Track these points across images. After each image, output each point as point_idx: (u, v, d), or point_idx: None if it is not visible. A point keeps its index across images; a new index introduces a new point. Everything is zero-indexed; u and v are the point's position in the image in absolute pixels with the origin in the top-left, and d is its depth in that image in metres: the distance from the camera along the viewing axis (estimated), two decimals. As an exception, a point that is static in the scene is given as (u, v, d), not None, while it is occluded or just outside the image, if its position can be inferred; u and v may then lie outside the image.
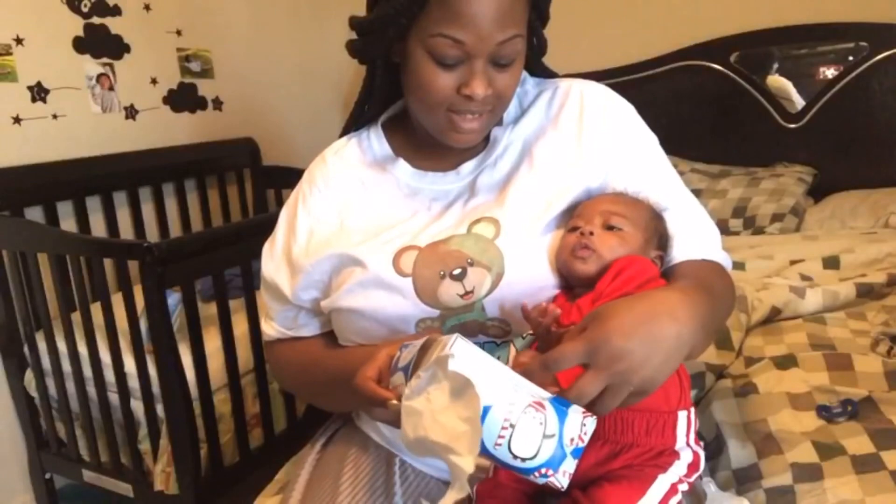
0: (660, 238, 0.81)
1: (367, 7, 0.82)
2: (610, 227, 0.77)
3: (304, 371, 0.93)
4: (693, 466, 0.72)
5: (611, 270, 0.74)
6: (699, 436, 0.93)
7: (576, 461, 0.57)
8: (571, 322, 0.72)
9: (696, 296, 0.65)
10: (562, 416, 0.56)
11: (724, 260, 0.87)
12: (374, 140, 0.93)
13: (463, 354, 0.57)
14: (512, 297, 0.77)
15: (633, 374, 0.58)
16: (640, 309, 0.60)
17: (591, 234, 0.76)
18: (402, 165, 0.90)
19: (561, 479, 0.57)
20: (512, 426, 0.55)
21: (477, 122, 0.80)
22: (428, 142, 0.88)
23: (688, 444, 0.73)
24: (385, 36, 0.78)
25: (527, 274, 0.79)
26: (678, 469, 0.71)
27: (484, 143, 0.89)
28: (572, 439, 0.57)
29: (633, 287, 0.71)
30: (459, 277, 0.78)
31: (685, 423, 0.73)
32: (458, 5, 0.72)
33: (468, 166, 0.88)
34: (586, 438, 0.57)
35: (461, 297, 0.78)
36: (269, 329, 0.96)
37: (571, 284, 0.79)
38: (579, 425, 0.57)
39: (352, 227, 0.87)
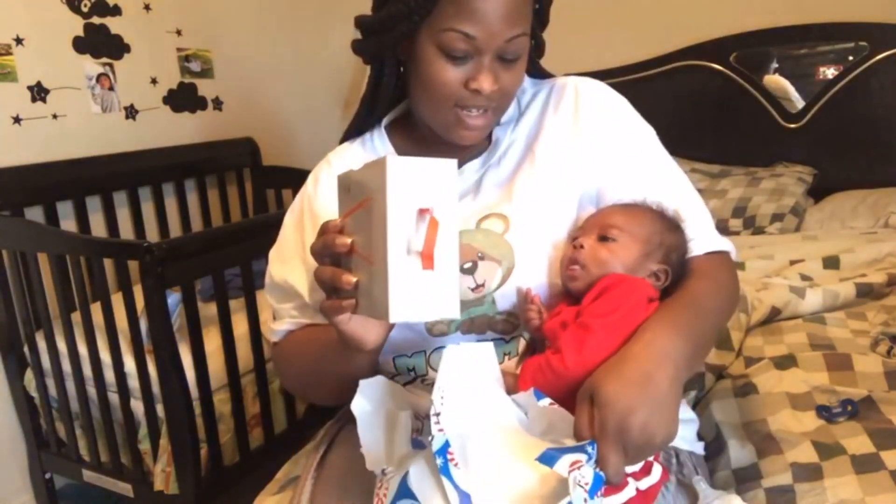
0: (667, 251, 0.79)
1: (374, 6, 0.82)
2: (604, 239, 0.77)
3: (310, 361, 0.89)
4: (643, 471, 0.70)
5: (595, 288, 0.74)
6: (699, 436, 0.93)
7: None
8: (559, 322, 0.73)
9: (684, 321, 0.70)
10: None
11: (725, 245, 0.88)
12: (378, 142, 0.94)
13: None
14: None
15: (645, 437, 0.60)
16: (633, 376, 0.62)
17: (582, 247, 0.77)
18: None
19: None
20: None
21: (482, 119, 0.82)
22: (431, 143, 0.89)
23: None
24: (395, 33, 0.79)
25: (537, 267, 0.80)
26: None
27: (486, 144, 0.90)
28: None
29: (617, 315, 0.70)
30: (470, 271, 0.80)
31: None
32: (471, 2, 0.73)
33: (472, 166, 0.89)
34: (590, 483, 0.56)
35: (472, 290, 0.80)
36: (280, 325, 0.93)
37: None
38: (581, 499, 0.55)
39: None
